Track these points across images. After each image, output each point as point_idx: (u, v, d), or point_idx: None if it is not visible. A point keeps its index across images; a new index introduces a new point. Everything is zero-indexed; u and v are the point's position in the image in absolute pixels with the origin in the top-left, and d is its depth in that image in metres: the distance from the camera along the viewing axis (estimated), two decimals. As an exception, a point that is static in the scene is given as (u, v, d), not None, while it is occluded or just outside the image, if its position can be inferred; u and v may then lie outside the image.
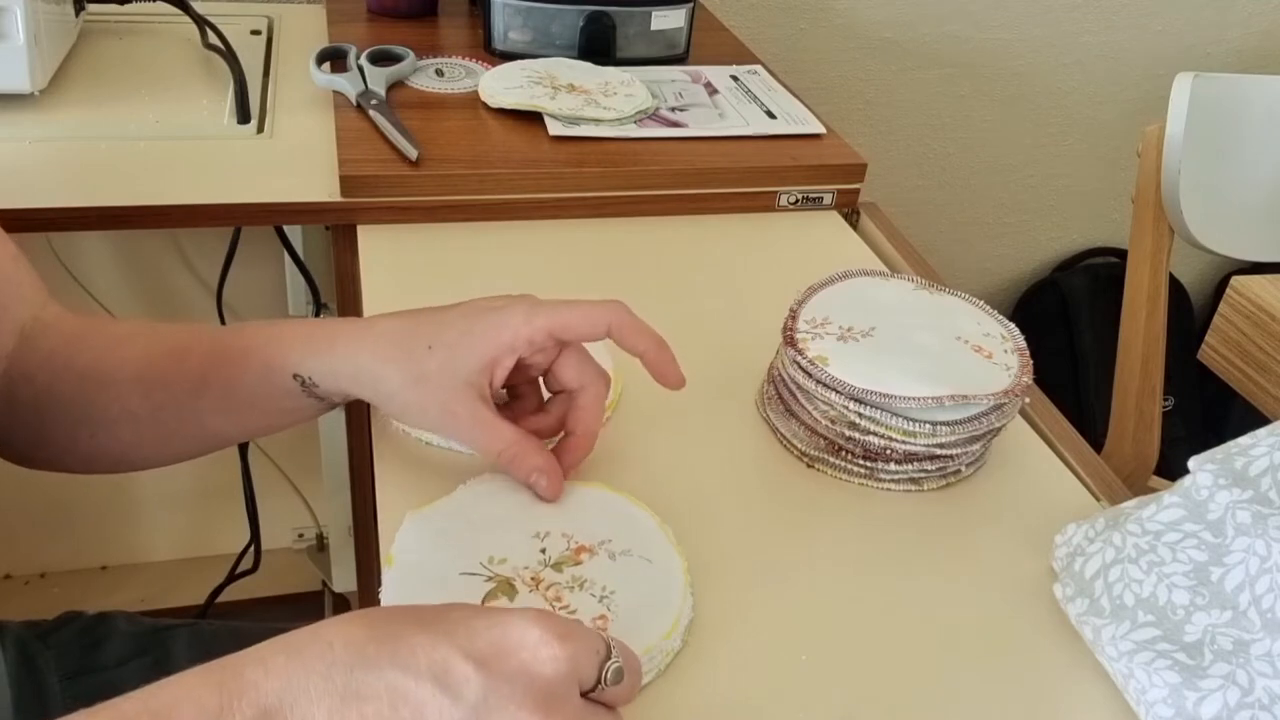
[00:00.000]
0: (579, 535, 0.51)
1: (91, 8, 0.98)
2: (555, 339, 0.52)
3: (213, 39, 0.95)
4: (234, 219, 0.83)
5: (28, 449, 0.56)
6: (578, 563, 0.49)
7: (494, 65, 0.95)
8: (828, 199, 0.87)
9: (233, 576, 1.31)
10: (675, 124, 0.89)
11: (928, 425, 0.55)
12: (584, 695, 0.38)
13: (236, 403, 0.52)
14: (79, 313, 0.57)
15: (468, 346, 0.50)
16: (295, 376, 0.50)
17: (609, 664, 0.39)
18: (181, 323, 0.56)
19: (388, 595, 0.47)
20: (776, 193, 0.86)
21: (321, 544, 1.48)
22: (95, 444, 0.55)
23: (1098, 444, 0.92)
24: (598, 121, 0.87)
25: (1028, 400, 0.62)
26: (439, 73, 0.96)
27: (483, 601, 0.47)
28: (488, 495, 0.53)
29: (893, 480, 0.58)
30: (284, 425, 0.54)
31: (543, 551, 0.50)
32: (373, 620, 0.37)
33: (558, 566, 0.49)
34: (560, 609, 0.47)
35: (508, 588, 0.48)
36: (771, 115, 0.92)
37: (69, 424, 0.54)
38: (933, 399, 0.55)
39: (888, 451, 0.57)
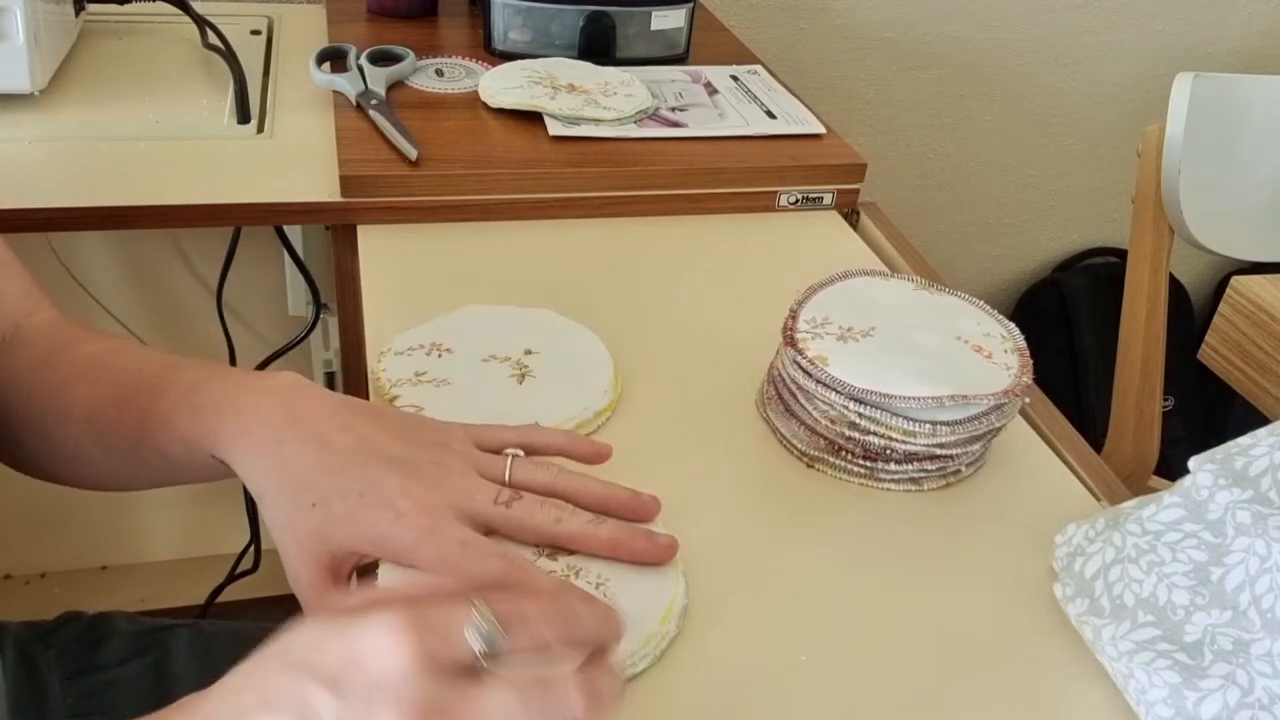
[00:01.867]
0: None
1: (91, 8, 0.98)
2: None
3: (213, 39, 0.95)
4: (234, 219, 0.82)
5: (10, 460, 0.57)
6: (572, 552, 0.49)
7: (494, 65, 0.95)
8: (828, 199, 0.87)
9: (233, 576, 1.31)
10: (675, 124, 0.89)
11: (928, 425, 0.55)
12: (480, 667, 0.35)
13: (172, 461, 0.51)
14: (64, 324, 0.57)
15: (345, 529, 0.46)
16: (213, 457, 0.49)
17: (474, 629, 0.35)
18: (145, 350, 0.55)
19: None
20: (776, 193, 0.86)
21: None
22: (61, 470, 0.55)
23: (1098, 444, 0.92)
24: (598, 121, 0.87)
25: (1028, 400, 0.62)
26: (439, 73, 0.96)
27: None
28: None
29: (893, 480, 0.58)
30: (231, 476, 0.51)
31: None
32: (245, 670, 0.36)
33: (553, 555, 0.49)
34: None
35: None
36: (771, 115, 0.92)
37: (35, 448, 0.55)
38: (933, 399, 0.55)
39: (888, 451, 0.57)
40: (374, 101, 0.86)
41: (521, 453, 0.50)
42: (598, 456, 0.53)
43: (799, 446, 0.60)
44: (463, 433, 0.50)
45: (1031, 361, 0.59)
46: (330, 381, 1.26)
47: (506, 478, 0.49)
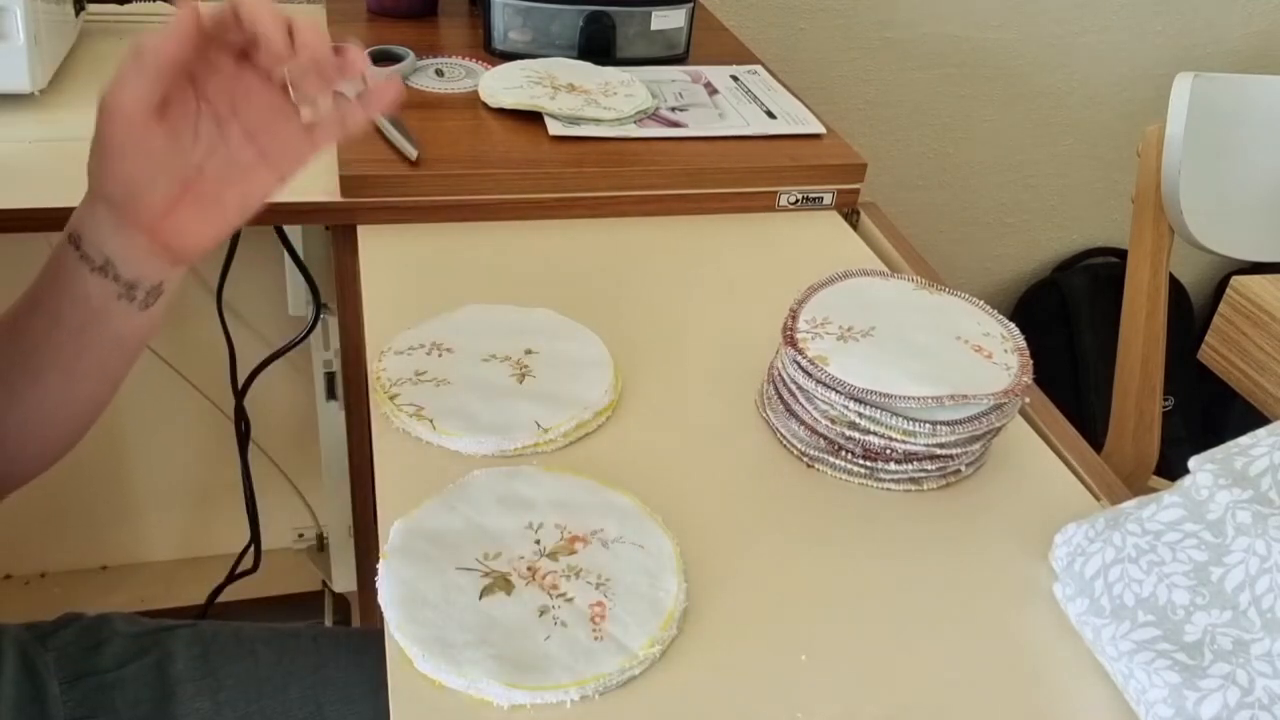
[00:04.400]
0: (571, 525, 0.52)
1: (91, 8, 0.98)
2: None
3: (213, 39, 0.95)
4: (234, 219, 0.82)
5: None
6: (572, 552, 0.50)
7: (494, 65, 0.95)
8: (828, 199, 0.87)
9: (233, 576, 1.31)
10: (675, 124, 0.89)
11: (928, 425, 0.55)
12: None
13: (79, 304, 0.51)
14: None
15: None
16: (70, 237, 0.51)
17: None
18: None
19: (385, 596, 0.47)
20: (776, 193, 0.86)
21: (321, 544, 1.48)
22: (10, 437, 0.55)
23: (1098, 444, 0.92)
24: (598, 121, 0.87)
25: (1028, 400, 0.62)
26: (439, 73, 0.96)
27: (480, 597, 0.47)
28: (477, 493, 0.53)
29: (893, 480, 0.58)
30: (96, 340, 0.53)
31: (537, 542, 0.50)
32: None
33: (553, 556, 0.50)
34: (558, 596, 0.47)
35: (504, 583, 0.48)
36: (771, 115, 0.92)
37: None
38: (933, 399, 0.55)
39: (888, 451, 0.57)
40: (374, 101, 0.86)
41: None
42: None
43: (799, 446, 0.60)
44: None
45: (1031, 361, 0.59)
46: (330, 381, 1.26)
47: None
